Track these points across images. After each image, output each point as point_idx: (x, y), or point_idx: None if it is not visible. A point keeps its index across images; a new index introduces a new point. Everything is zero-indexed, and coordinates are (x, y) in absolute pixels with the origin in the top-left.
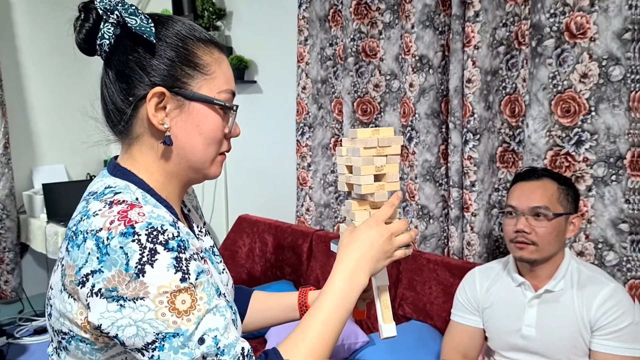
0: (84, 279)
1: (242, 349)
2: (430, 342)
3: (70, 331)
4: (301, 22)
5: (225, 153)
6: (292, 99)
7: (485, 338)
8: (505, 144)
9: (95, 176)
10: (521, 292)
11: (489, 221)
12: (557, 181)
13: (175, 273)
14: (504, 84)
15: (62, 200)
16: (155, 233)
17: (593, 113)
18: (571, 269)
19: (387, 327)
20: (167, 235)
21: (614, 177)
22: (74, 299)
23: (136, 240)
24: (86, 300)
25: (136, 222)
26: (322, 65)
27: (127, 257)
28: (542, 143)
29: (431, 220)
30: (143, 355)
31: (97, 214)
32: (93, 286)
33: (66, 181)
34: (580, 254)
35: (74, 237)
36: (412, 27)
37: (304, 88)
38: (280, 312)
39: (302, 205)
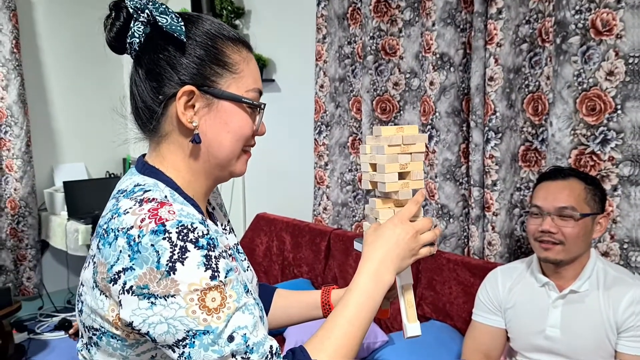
0: (116, 276)
1: (271, 347)
2: (450, 343)
3: (102, 327)
4: (320, 20)
5: (250, 151)
6: (310, 97)
7: (508, 339)
8: (527, 143)
9: (114, 174)
10: (545, 293)
11: (510, 221)
12: (584, 181)
13: (205, 271)
14: (526, 82)
15: (82, 198)
16: (185, 231)
17: (619, 111)
18: (597, 269)
19: (412, 326)
20: (197, 233)
21: None
22: (106, 296)
23: (167, 238)
24: (118, 298)
25: (167, 220)
26: (341, 64)
27: (159, 254)
28: (566, 142)
29: (451, 220)
30: (174, 351)
31: (127, 212)
32: (125, 283)
33: (86, 179)
34: (605, 254)
35: (105, 235)
36: (433, 24)
37: (321, 86)
38: (303, 310)
39: (320, 204)
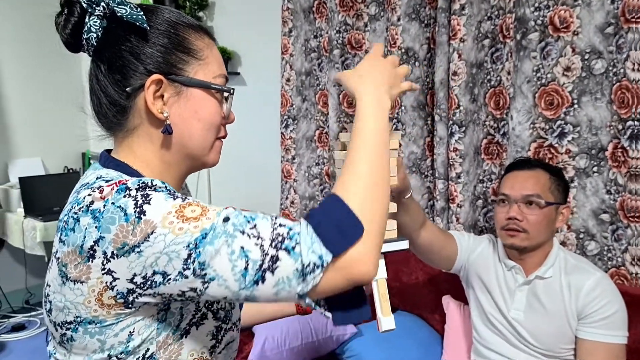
0: (91, 251)
1: (270, 215)
2: (417, 332)
3: (77, 318)
4: (285, 14)
5: (222, 140)
6: (276, 91)
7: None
8: (490, 136)
9: (73, 169)
10: (512, 276)
11: (474, 212)
12: (549, 171)
13: (174, 200)
14: (488, 77)
15: (39, 194)
16: (144, 185)
17: (576, 106)
18: (559, 258)
19: (386, 320)
20: (156, 184)
21: (595, 169)
22: (82, 282)
23: (127, 195)
24: (103, 271)
25: (127, 181)
26: (307, 57)
27: (123, 209)
28: (526, 135)
29: None
30: (187, 277)
31: (86, 198)
32: (104, 253)
33: (43, 174)
34: (563, 244)
35: (66, 225)
36: (398, 19)
37: (288, 80)
38: (277, 308)
39: (287, 198)
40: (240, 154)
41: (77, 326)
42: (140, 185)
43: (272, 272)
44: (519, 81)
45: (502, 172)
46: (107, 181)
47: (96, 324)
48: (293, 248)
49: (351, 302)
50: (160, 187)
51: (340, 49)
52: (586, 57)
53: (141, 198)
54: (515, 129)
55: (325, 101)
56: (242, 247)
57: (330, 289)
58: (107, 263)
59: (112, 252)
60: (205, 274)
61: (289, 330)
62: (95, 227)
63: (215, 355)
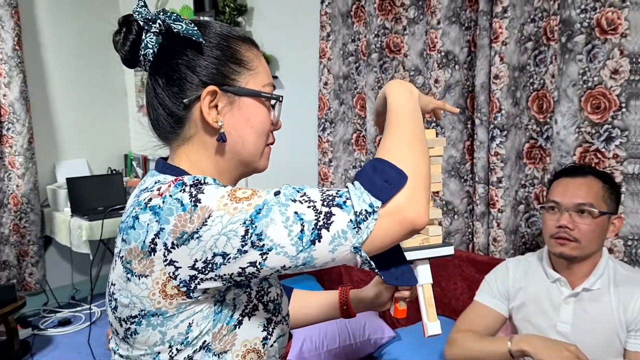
0: (152, 245)
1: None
2: None
3: (142, 311)
4: (323, 18)
5: (270, 146)
6: (314, 94)
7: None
8: (532, 140)
9: (116, 170)
10: (557, 289)
11: (515, 217)
12: (602, 179)
13: (224, 188)
14: (531, 80)
15: (85, 194)
16: (199, 181)
17: (624, 109)
18: (608, 268)
19: (432, 325)
20: (209, 181)
21: None
22: (146, 276)
23: (183, 190)
24: (165, 262)
25: (184, 177)
26: (344, 61)
27: (179, 200)
28: (571, 139)
29: (456, 216)
30: (247, 252)
31: (145, 198)
32: (165, 244)
33: (89, 175)
34: (610, 251)
35: (127, 225)
36: (438, 22)
37: (325, 84)
38: (322, 311)
39: None
40: (278, 157)
41: (141, 319)
42: (195, 181)
43: (328, 228)
44: (564, 84)
45: (546, 177)
46: (164, 184)
47: (159, 316)
48: (344, 202)
49: (398, 268)
50: (211, 183)
51: (378, 52)
52: (635, 59)
53: (195, 190)
54: (559, 133)
55: (363, 104)
56: (295, 212)
57: (385, 237)
58: (168, 254)
59: (172, 243)
60: (264, 245)
61: (327, 333)
62: (156, 221)
63: (267, 348)
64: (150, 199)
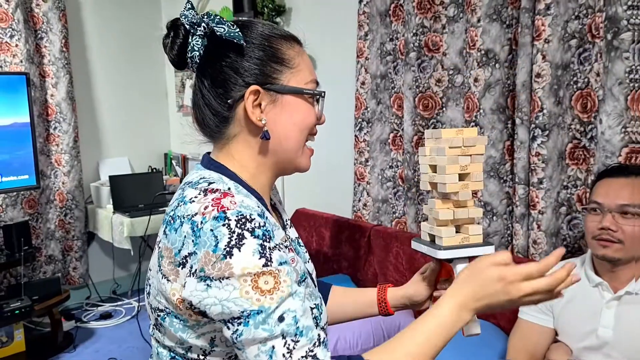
0: (184, 260)
1: (319, 335)
2: (494, 342)
3: (166, 308)
4: (361, 17)
5: (312, 147)
6: (351, 93)
7: (555, 337)
8: (575, 140)
9: (156, 169)
10: (598, 293)
11: (557, 219)
12: None
13: (259, 258)
14: (575, 79)
15: (126, 192)
16: (244, 220)
17: None
18: None
19: (471, 324)
20: (255, 223)
21: None
22: (168, 280)
23: (226, 225)
24: (184, 280)
25: (228, 209)
26: (382, 60)
27: (217, 239)
28: (616, 140)
29: (494, 217)
30: (228, 328)
31: (193, 201)
32: (191, 267)
33: (130, 174)
34: None
35: (172, 222)
36: (478, 20)
37: (363, 83)
38: (359, 308)
39: (360, 201)
40: (314, 157)
41: (165, 316)
42: (239, 217)
43: None
44: (610, 83)
45: (590, 178)
46: (209, 183)
47: (180, 321)
48: None
49: None
50: (256, 230)
51: (416, 51)
52: None
53: (236, 237)
54: (604, 133)
55: (400, 104)
56: (273, 347)
57: None
58: (187, 277)
59: (195, 270)
60: (237, 347)
61: (361, 332)
62: (192, 241)
63: None
64: (195, 214)
